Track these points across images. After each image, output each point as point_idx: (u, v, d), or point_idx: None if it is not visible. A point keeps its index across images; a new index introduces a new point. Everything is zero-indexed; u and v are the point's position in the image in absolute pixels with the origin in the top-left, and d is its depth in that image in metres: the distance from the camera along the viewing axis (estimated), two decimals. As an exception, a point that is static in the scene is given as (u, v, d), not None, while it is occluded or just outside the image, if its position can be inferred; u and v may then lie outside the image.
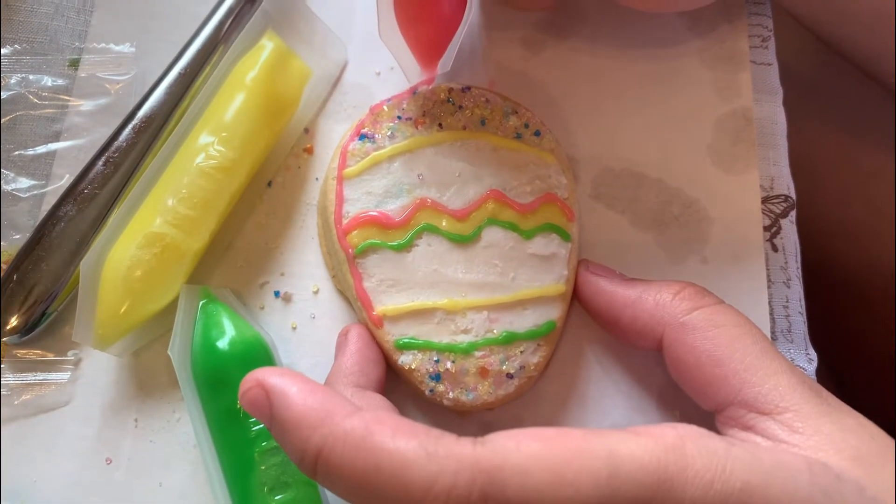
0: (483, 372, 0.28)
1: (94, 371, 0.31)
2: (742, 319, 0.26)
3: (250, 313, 0.31)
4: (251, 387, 0.22)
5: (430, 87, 0.31)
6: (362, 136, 0.30)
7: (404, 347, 0.28)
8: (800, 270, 0.33)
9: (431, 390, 0.28)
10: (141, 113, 0.32)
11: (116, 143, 0.32)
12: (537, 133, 0.31)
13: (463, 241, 0.29)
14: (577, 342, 0.31)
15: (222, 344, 0.28)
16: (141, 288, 0.28)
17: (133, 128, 0.32)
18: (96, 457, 0.30)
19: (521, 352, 0.28)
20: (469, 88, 0.31)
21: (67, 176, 0.33)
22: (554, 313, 0.29)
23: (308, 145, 0.33)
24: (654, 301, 0.27)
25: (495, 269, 0.29)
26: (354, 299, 0.29)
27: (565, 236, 0.29)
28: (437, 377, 0.28)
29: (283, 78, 0.32)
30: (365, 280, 0.29)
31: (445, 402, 0.28)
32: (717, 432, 0.25)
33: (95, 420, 0.30)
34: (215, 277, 0.32)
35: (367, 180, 0.30)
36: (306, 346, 0.31)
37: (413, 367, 0.28)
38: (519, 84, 0.34)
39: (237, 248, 0.32)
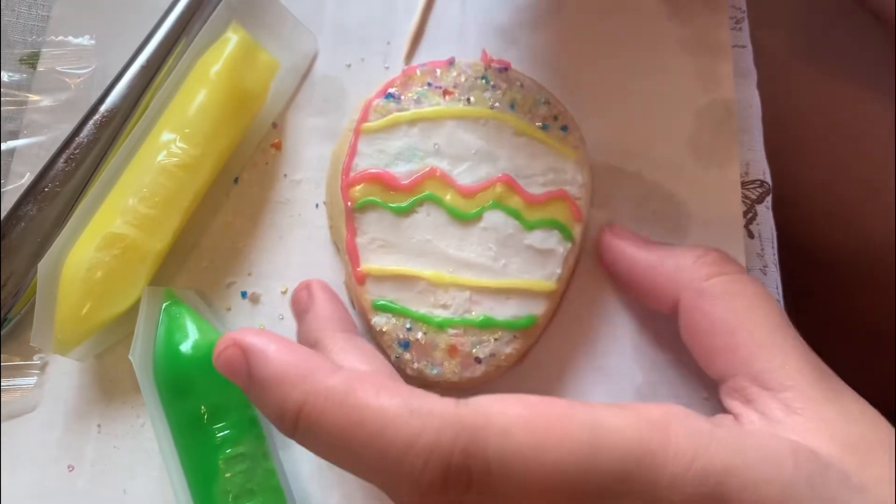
0: (452, 350, 0.27)
1: (60, 375, 0.30)
2: (762, 290, 0.26)
3: (216, 315, 0.30)
4: (227, 346, 0.22)
5: (470, 61, 0.30)
6: (388, 95, 0.30)
7: (380, 309, 0.28)
8: (776, 256, 0.32)
9: (398, 356, 0.28)
10: (102, 108, 0.31)
11: (77, 140, 0.31)
12: (564, 128, 0.30)
13: (463, 217, 0.28)
14: (559, 343, 0.30)
15: (185, 348, 0.27)
16: (101, 290, 0.28)
17: (94, 123, 0.31)
18: (58, 464, 0.29)
19: (496, 339, 0.28)
20: (507, 69, 0.30)
21: (28, 174, 0.32)
22: (537, 308, 0.28)
23: (276, 140, 0.33)
24: (675, 263, 0.27)
25: (488, 252, 0.28)
26: (343, 252, 0.29)
27: (567, 235, 0.29)
28: (405, 345, 0.27)
29: (248, 71, 0.31)
30: (358, 235, 0.28)
31: (409, 371, 0.28)
32: (719, 405, 0.25)
33: (58, 426, 0.29)
34: (180, 278, 0.31)
35: (384, 138, 0.29)
36: (274, 348, 0.30)
37: (385, 330, 0.28)
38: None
39: (203, 247, 0.31)
